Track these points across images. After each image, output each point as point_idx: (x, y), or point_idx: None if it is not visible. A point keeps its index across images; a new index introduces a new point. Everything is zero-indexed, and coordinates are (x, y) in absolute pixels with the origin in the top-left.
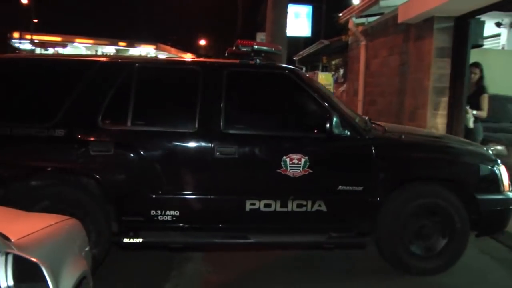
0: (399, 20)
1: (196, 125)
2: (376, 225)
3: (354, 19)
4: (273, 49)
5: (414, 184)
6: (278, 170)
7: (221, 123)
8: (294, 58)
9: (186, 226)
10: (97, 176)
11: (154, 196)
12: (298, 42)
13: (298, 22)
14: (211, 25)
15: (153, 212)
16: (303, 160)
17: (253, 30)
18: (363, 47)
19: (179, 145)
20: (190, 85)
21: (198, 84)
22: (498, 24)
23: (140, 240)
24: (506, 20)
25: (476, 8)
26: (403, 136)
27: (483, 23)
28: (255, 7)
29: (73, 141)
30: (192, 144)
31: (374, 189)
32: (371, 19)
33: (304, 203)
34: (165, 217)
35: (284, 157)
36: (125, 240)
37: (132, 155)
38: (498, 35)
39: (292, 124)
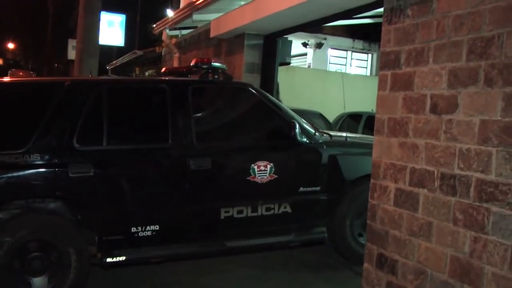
0: (211, 35)
1: (170, 140)
2: (333, 221)
3: (168, 31)
4: (225, 66)
5: (363, 180)
6: (248, 178)
7: (193, 138)
8: (107, 67)
9: (166, 239)
10: (78, 198)
11: (133, 212)
12: (111, 51)
13: (112, 31)
14: (21, 28)
15: (133, 229)
16: (269, 166)
17: (65, 35)
18: (176, 59)
19: (155, 160)
20: (159, 102)
21: (166, 101)
22: (305, 44)
23: (123, 258)
24: (312, 41)
25: (282, 28)
26: (347, 139)
27: (290, 42)
28: (67, 12)
29: (50, 165)
30: (167, 159)
31: (330, 188)
32: (184, 31)
33: (272, 206)
34: (145, 233)
35: (252, 165)
36: (108, 259)
37: (109, 174)
38: (305, 54)
39: (257, 134)
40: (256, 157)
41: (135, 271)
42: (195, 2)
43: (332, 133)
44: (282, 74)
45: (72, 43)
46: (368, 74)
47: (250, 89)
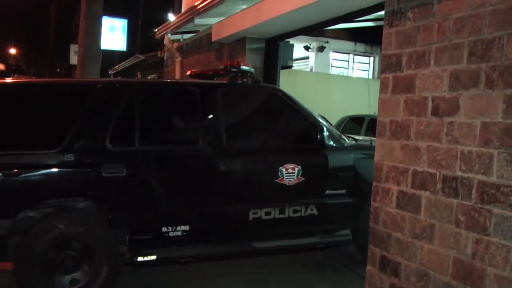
0: (213, 39)
1: (200, 142)
2: (357, 223)
3: (169, 35)
4: (252, 69)
5: None
6: (276, 180)
7: (223, 140)
8: (109, 72)
9: (196, 239)
10: (110, 198)
11: (164, 212)
12: (113, 56)
13: (114, 36)
14: (22, 34)
15: (164, 229)
16: (296, 169)
17: (67, 41)
18: (178, 63)
19: (185, 161)
20: (190, 104)
21: (197, 103)
22: (307, 48)
23: (154, 257)
24: (313, 44)
25: (284, 32)
26: (372, 143)
27: (292, 46)
28: (69, 17)
29: (84, 165)
30: (197, 160)
31: (355, 191)
32: (186, 36)
33: (299, 208)
34: (175, 233)
35: (281, 167)
36: (139, 258)
37: (142, 174)
38: (307, 57)
39: (285, 137)
40: (284, 160)
41: (136, 276)
42: (196, 6)
43: (357, 137)
44: (284, 78)
45: (74, 48)
46: (370, 77)
47: (278, 92)
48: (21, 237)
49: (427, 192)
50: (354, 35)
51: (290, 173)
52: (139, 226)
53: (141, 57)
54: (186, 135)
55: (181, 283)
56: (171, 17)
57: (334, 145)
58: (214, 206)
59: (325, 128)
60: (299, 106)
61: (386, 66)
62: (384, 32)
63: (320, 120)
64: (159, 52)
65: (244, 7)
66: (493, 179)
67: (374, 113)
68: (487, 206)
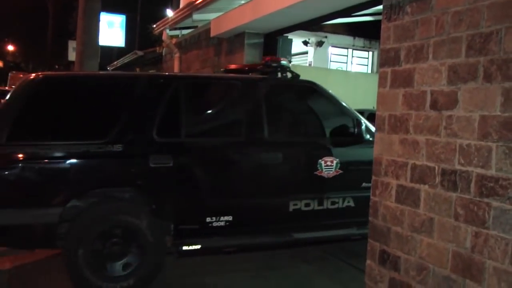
0: (212, 34)
1: (243, 135)
2: None
3: (168, 31)
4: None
5: None
6: (315, 172)
7: (265, 133)
8: (108, 68)
9: (238, 230)
10: (157, 188)
11: (209, 203)
12: (111, 52)
13: (112, 32)
14: (20, 31)
15: (208, 219)
16: (335, 162)
17: (66, 37)
18: (177, 59)
19: (229, 153)
20: (233, 98)
21: (239, 97)
22: (306, 43)
23: (199, 246)
24: (312, 39)
25: (282, 27)
26: None
27: (290, 40)
28: (67, 14)
29: (131, 156)
30: (240, 152)
31: None
32: (185, 31)
33: (337, 200)
34: (219, 223)
35: (320, 160)
36: (184, 247)
37: (188, 165)
38: (306, 52)
39: (324, 130)
40: (323, 153)
41: None
42: (195, 1)
43: None
44: None
45: (72, 44)
46: (369, 71)
47: (316, 87)
48: (69, 225)
49: (426, 186)
50: (353, 30)
51: (329, 166)
52: (184, 216)
53: (140, 53)
54: (230, 128)
55: (182, 280)
56: (170, 12)
57: (370, 139)
58: (256, 198)
59: (362, 122)
60: (336, 100)
61: (385, 60)
62: (383, 26)
63: (358, 114)
64: (157, 48)
65: (243, 2)
66: (492, 172)
67: (373, 107)
68: (486, 199)
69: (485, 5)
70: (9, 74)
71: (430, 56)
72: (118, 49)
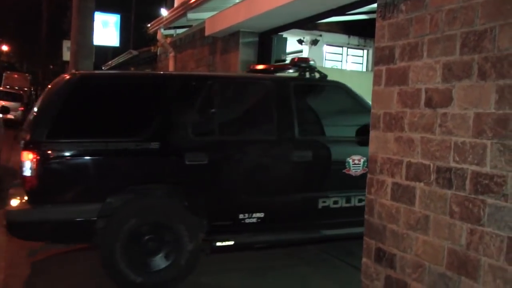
0: (206, 33)
1: (275, 133)
2: None
3: (162, 30)
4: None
5: None
6: (344, 170)
7: (295, 131)
8: (103, 67)
9: (269, 226)
10: (192, 185)
11: (241, 200)
12: (106, 52)
13: (106, 31)
14: (14, 30)
15: (241, 216)
16: (362, 160)
17: (60, 37)
18: (171, 58)
19: (262, 152)
20: (265, 97)
21: (271, 96)
22: (300, 41)
23: (232, 242)
24: (307, 38)
25: (277, 26)
26: None
27: (285, 39)
28: (61, 13)
29: (168, 153)
30: (272, 151)
31: None
32: (179, 31)
33: (364, 198)
34: (251, 220)
35: (348, 158)
36: (218, 243)
37: (222, 163)
38: (301, 51)
39: (351, 129)
40: (351, 152)
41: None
42: (189, 1)
43: None
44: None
45: (66, 44)
46: (364, 70)
47: (343, 87)
48: (107, 221)
49: (422, 184)
50: (348, 28)
51: (356, 164)
52: (218, 212)
53: (135, 52)
54: (262, 127)
55: None
56: (164, 12)
57: None
58: (286, 195)
59: None
60: (361, 99)
61: (379, 59)
62: (377, 24)
63: None
64: (152, 47)
65: (237, 1)
66: (487, 169)
67: None
68: (480, 197)
69: (479, 3)
70: (4, 74)
71: (425, 54)
72: (113, 48)
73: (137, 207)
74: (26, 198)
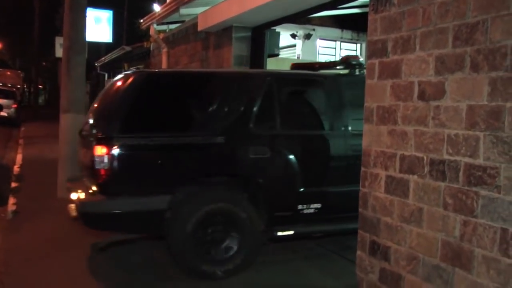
0: (199, 29)
1: (329, 128)
2: None
3: (155, 25)
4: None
5: None
6: None
7: (348, 126)
8: (96, 64)
9: (326, 216)
10: (255, 177)
11: (301, 192)
12: (99, 48)
13: (99, 27)
14: (6, 27)
15: (300, 206)
16: None
17: (52, 33)
18: (164, 54)
19: (319, 145)
20: (320, 93)
21: (325, 92)
22: (294, 36)
23: (292, 232)
24: (300, 32)
25: (270, 20)
26: None
27: (278, 34)
28: (54, 9)
29: (233, 147)
30: (329, 144)
31: None
32: (172, 26)
33: None
34: (309, 210)
35: None
36: (279, 233)
37: (283, 156)
38: (294, 45)
39: None
40: None
41: (129, 274)
42: None
43: None
44: (271, 66)
45: (59, 40)
46: None
47: None
48: (175, 212)
49: (415, 176)
50: (341, 22)
51: None
52: (278, 203)
53: (128, 48)
54: (318, 121)
55: (178, 283)
56: (157, 7)
57: None
58: (342, 186)
59: None
60: None
61: (372, 52)
62: (370, 18)
63: None
64: (145, 43)
65: None
66: (480, 161)
67: None
68: (474, 188)
69: None
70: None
71: (417, 47)
72: (106, 44)
73: (204, 199)
74: (97, 190)
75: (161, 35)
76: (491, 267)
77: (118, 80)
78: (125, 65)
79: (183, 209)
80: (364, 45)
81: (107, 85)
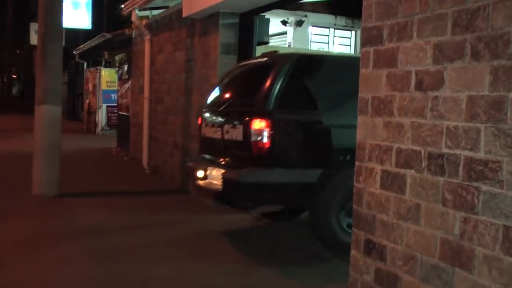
0: (184, 15)
1: None
2: None
3: (137, 11)
4: None
5: None
6: None
7: None
8: (74, 52)
9: None
10: None
11: None
12: (78, 35)
13: (77, 13)
14: None
15: None
16: None
17: (27, 19)
18: (147, 41)
19: None
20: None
21: None
22: (284, 23)
23: None
24: (291, 19)
25: (259, 6)
26: None
27: (267, 20)
28: None
29: None
30: None
31: None
32: (155, 12)
33: None
34: None
35: None
36: None
37: None
38: (285, 33)
39: None
40: None
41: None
42: None
43: None
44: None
45: (34, 27)
46: (352, 52)
47: None
48: (323, 187)
49: (412, 171)
50: (334, 8)
51: None
52: None
53: (108, 35)
54: None
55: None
56: None
57: None
58: None
59: None
60: None
61: (367, 40)
62: (364, 3)
63: None
64: (126, 30)
65: None
66: (481, 155)
67: None
68: (474, 183)
69: None
70: None
71: (414, 34)
72: (85, 31)
73: (350, 175)
74: (252, 162)
75: (144, 22)
76: (493, 267)
77: (261, 61)
78: (105, 54)
79: (331, 183)
80: (358, 32)
81: (240, 66)
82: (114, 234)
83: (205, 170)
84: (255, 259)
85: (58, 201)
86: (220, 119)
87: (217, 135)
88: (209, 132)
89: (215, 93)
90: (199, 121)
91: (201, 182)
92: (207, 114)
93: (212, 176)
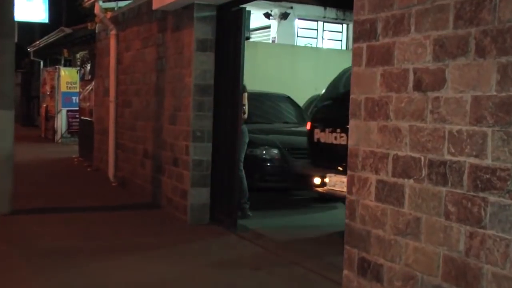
0: (154, 7)
1: None
2: None
3: (101, 2)
4: None
5: None
6: None
7: None
8: (29, 49)
9: None
10: None
11: None
12: (32, 29)
13: (32, 4)
14: None
15: None
16: None
17: None
18: (113, 37)
19: None
20: None
21: None
22: (268, 15)
23: None
24: (275, 11)
25: None
26: None
27: (248, 13)
28: None
29: None
30: None
31: None
32: (122, 3)
33: None
34: None
35: None
36: None
37: None
38: (268, 27)
39: None
40: None
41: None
42: None
43: None
44: None
45: None
46: (344, 48)
47: None
48: None
49: (411, 180)
50: None
51: None
52: None
53: (68, 30)
54: None
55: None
56: None
57: None
58: None
59: None
60: None
61: (359, 34)
62: None
63: None
64: (89, 24)
65: None
66: (488, 162)
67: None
68: (481, 194)
69: None
70: None
71: (412, 28)
72: (40, 25)
73: None
74: None
75: (109, 15)
76: (503, 286)
77: None
78: (65, 51)
79: None
80: (351, 26)
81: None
82: (72, 258)
83: (323, 177)
84: None
85: (10, 219)
86: (324, 127)
87: (342, 141)
88: (329, 138)
89: (332, 94)
90: (308, 127)
91: (320, 189)
92: (324, 120)
93: (334, 182)
